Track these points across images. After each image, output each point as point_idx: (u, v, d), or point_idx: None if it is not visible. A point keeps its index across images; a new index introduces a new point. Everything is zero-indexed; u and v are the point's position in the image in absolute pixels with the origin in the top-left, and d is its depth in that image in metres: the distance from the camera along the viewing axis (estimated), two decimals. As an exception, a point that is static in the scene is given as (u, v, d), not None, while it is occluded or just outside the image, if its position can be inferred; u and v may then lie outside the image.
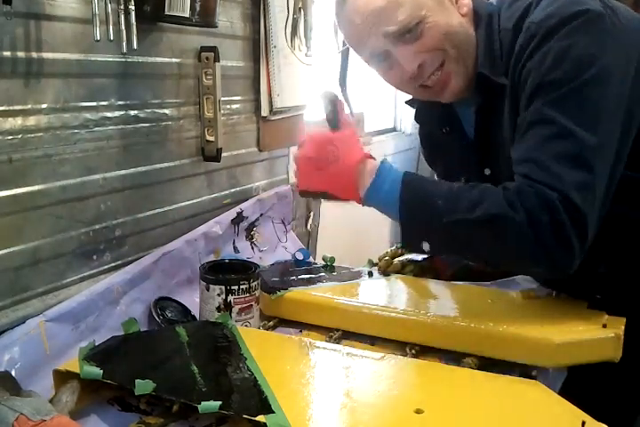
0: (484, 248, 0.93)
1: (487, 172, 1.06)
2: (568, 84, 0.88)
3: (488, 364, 0.98)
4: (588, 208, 0.87)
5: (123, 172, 1.13)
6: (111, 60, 1.08)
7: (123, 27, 1.02)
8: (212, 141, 1.31)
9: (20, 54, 0.92)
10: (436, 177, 1.28)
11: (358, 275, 1.31)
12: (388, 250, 1.38)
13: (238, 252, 1.43)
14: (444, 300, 1.19)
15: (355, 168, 0.96)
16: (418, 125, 1.30)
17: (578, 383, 1.02)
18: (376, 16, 0.94)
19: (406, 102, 1.21)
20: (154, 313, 1.12)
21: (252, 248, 1.49)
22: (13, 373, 0.87)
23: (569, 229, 0.86)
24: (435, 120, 1.14)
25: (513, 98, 0.96)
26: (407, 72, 0.98)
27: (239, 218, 1.44)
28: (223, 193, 1.43)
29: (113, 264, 1.13)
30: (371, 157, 1.00)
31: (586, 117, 0.88)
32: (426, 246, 0.92)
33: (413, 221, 0.93)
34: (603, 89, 0.88)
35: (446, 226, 0.91)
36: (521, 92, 0.94)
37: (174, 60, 1.23)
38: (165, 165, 1.24)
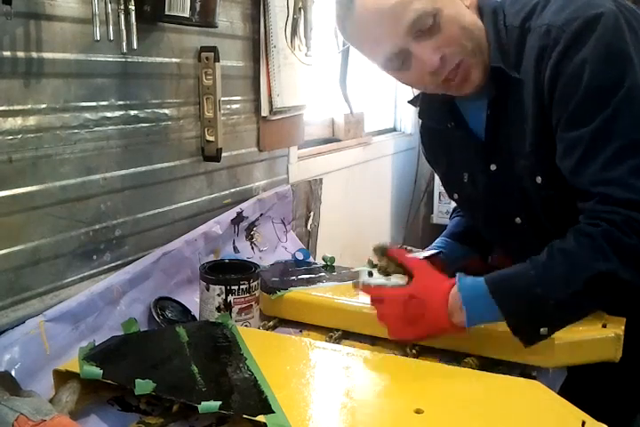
0: (611, 303, 0.93)
1: (493, 167, 1.06)
2: (617, 93, 0.87)
3: (488, 364, 0.98)
4: None
5: (123, 172, 1.13)
6: (111, 60, 1.08)
7: (123, 27, 1.02)
8: (212, 141, 1.31)
9: (20, 54, 0.92)
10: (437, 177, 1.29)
11: (358, 275, 1.30)
12: (388, 251, 1.38)
13: (238, 252, 1.43)
14: (443, 300, 1.19)
15: (445, 312, 0.94)
16: (418, 125, 1.30)
17: (578, 383, 1.02)
18: (393, 12, 0.93)
19: (409, 102, 1.21)
20: (154, 313, 1.12)
21: (252, 248, 1.49)
22: (13, 373, 0.87)
23: None
24: (438, 116, 1.14)
25: (535, 96, 0.95)
26: (429, 66, 0.96)
27: (239, 218, 1.44)
28: (223, 193, 1.43)
29: (113, 264, 1.13)
30: (448, 276, 0.99)
31: None
32: (544, 331, 0.90)
33: (522, 321, 0.91)
34: None
35: (557, 306, 0.89)
36: (549, 97, 0.93)
37: (174, 60, 1.23)
38: (165, 165, 1.24)
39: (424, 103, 1.17)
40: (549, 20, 0.93)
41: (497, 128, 1.03)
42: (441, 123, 1.14)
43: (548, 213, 0.98)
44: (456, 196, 1.21)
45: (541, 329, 0.90)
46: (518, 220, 1.08)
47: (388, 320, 1.01)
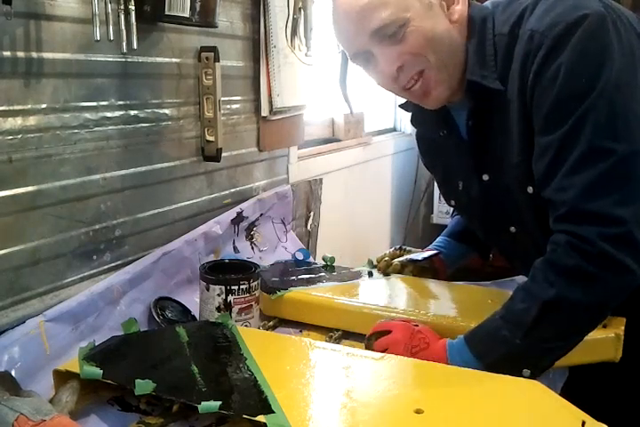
0: (576, 331, 0.92)
1: (485, 177, 1.05)
2: (587, 98, 0.86)
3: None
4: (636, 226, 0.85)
5: (123, 172, 1.13)
6: (111, 60, 1.08)
7: (123, 27, 1.02)
8: (212, 141, 1.31)
9: (20, 54, 0.92)
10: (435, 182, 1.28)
11: (358, 275, 1.31)
12: (387, 251, 1.38)
13: (238, 252, 1.43)
14: (444, 300, 1.19)
15: (445, 352, 0.96)
16: (414, 130, 1.29)
17: (580, 384, 1.02)
18: (360, 14, 0.94)
19: (400, 106, 1.20)
20: (154, 313, 1.12)
21: (252, 248, 1.49)
22: (13, 373, 0.87)
23: (625, 261, 0.85)
24: (431, 123, 1.13)
25: (520, 104, 0.94)
26: (387, 73, 0.98)
27: (239, 218, 1.44)
28: (223, 193, 1.43)
29: (113, 264, 1.13)
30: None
31: (614, 127, 0.86)
32: (526, 373, 0.90)
33: (496, 363, 0.91)
34: (622, 93, 0.87)
35: (525, 345, 0.90)
36: (530, 103, 0.92)
37: (174, 60, 1.23)
38: (165, 165, 1.24)
39: (416, 110, 1.16)
40: (533, 26, 0.91)
41: (484, 138, 1.02)
42: (433, 131, 1.14)
43: (541, 222, 0.98)
44: (453, 202, 1.21)
45: (524, 371, 0.89)
46: (513, 229, 1.07)
47: (392, 345, 0.99)
